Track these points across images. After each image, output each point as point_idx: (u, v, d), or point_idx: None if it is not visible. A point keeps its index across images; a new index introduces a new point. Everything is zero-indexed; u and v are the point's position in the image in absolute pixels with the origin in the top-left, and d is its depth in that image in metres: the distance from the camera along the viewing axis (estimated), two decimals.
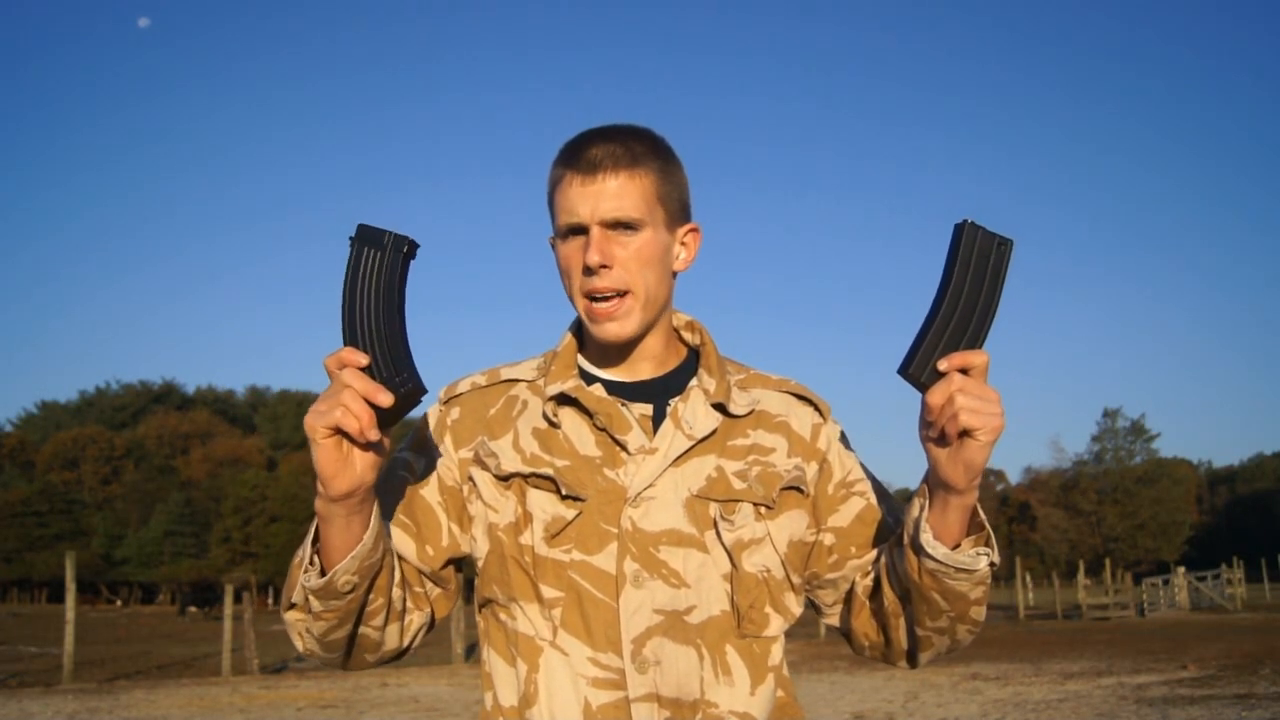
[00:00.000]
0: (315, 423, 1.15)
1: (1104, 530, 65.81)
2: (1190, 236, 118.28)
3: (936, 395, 1.20)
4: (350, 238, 1.20)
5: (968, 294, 1.23)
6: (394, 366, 1.18)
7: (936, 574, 1.25)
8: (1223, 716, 9.04)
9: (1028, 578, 36.19)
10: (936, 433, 1.22)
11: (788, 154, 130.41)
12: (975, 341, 1.23)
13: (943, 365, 1.21)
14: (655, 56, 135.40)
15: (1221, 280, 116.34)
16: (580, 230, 1.31)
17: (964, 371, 1.21)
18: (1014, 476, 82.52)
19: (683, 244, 1.39)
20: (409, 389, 1.17)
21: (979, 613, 1.32)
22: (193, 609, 44.82)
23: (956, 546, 1.26)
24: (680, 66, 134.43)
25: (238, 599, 20.12)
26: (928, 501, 1.26)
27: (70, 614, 15.25)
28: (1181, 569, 35.05)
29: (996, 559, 1.27)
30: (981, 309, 1.23)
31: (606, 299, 1.32)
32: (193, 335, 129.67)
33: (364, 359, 1.17)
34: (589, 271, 1.30)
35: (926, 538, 1.25)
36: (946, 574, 1.25)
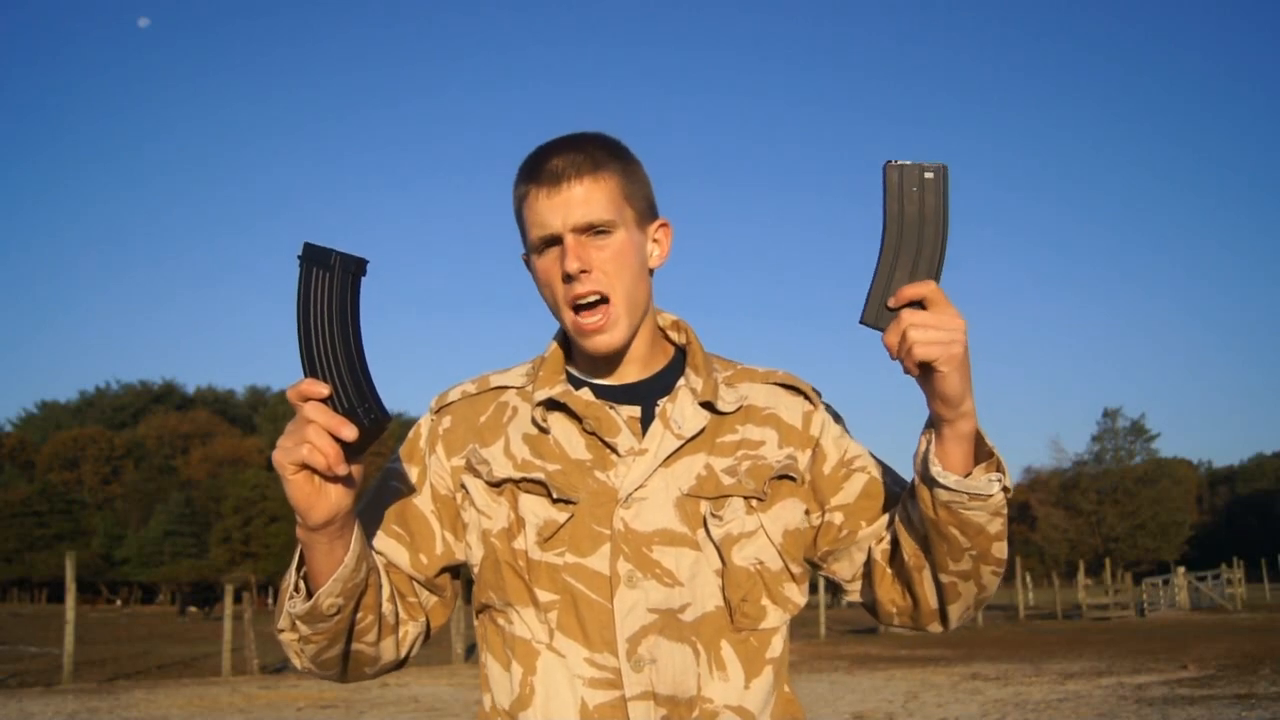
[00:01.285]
0: (283, 459, 1.15)
1: (1104, 530, 65.74)
2: (1190, 236, 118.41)
3: (890, 335, 1.21)
4: (298, 256, 1.17)
5: (906, 231, 1.21)
6: (356, 397, 1.16)
7: (951, 505, 1.25)
8: (1223, 716, 9.04)
9: (1028, 578, 36.18)
10: (905, 370, 1.22)
11: (778, 151, 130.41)
12: (929, 274, 1.21)
13: (891, 303, 1.21)
14: (648, 55, 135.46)
15: (1221, 280, 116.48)
16: (554, 241, 1.32)
17: (921, 306, 1.20)
18: (1014, 476, 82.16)
19: (655, 240, 1.40)
20: (373, 420, 1.15)
21: (1000, 549, 1.31)
22: (193, 609, 44.86)
23: (968, 475, 1.26)
24: (670, 64, 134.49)
25: (238, 599, 20.13)
26: (932, 437, 1.26)
27: (70, 614, 15.24)
28: (1181, 569, 35.06)
29: (1010, 484, 1.27)
30: (928, 242, 1.21)
31: (591, 308, 1.32)
32: (193, 335, 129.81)
33: (325, 390, 1.15)
34: (569, 279, 1.31)
35: (936, 469, 1.24)
36: (960, 503, 1.24)
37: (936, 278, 1.22)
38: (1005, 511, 1.28)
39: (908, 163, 1.21)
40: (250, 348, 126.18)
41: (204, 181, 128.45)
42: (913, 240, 1.22)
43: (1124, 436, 68.23)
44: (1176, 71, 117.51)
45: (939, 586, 1.35)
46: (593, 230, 1.31)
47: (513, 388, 1.42)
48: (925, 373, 1.21)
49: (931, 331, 1.19)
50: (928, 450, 1.26)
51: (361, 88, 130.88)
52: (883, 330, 1.22)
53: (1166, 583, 34.09)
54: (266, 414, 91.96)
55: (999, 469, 1.26)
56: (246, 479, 66.59)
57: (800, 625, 21.04)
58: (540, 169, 1.32)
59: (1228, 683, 11.70)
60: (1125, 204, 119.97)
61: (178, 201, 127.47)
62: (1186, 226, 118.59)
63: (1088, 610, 30.82)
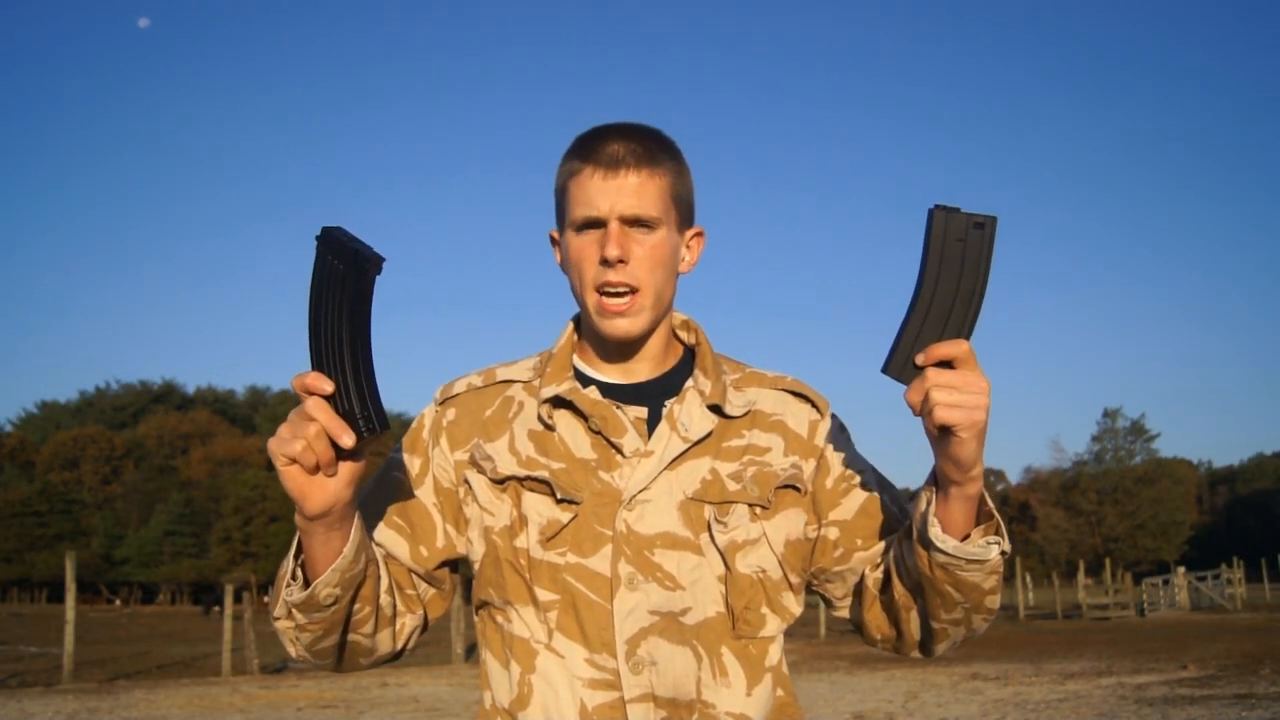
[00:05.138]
0: (277, 449, 1.14)
1: (1104, 530, 65.77)
2: (1191, 236, 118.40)
3: (913, 393, 1.18)
4: (316, 237, 1.14)
5: (944, 283, 1.17)
6: (357, 401, 1.14)
7: (948, 567, 1.24)
8: (1223, 716, 9.03)
9: (1028, 578, 36.16)
10: (925, 429, 1.20)
11: (789, 152, 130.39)
12: (960, 331, 1.17)
13: (920, 360, 1.18)
14: (650, 55, 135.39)
15: (1221, 280, 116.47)
16: (597, 224, 1.31)
17: (949, 364, 1.17)
18: (1014, 476, 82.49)
19: (688, 246, 1.39)
20: (370, 429, 1.14)
21: (994, 601, 1.30)
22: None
23: (965, 538, 1.24)
24: (675, 65, 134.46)
25: (238, 599, 20.12)
26: (934, 494, 1.24)
27: (70, 614, 15.22)
28: (1181, 569, 35.03)
29: (1008, 547, 1.25)
30: (964, 297, 1.17)
31: (619, 295, 1.31)
32: (193, 335, 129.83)
33: (329, 387, 1.13)
34: (605, 264, 1.30)
35: (935, 531, 1.23)
36: (958, 566, 1.23)
37: (968, 336, 1.18)
38: (1001, 569, 1.27)
39: (957, 209, 1.15)
40: (250, 348, 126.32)
41: (203, 181, 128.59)
42: (949, 294, 1.17)
43: (1124, 436, 68.33)
44: (1176, 70, 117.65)
45: (927, 628, 1.35)
46: (638, 223, 1.30)
47: (519, 382, 1.41)
48: (943, 435, 1.18)
49: (957, 395, 1.15)
50: (927, 510, 1.24)
51: (361, 87, 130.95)
52: (905, 384, 1.19)
53: (1166, 583, 34.07)
54: (266, 414, 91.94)
55: (998, 531, 1.25)
56: (246, 479, 66.61)
57: (800, 625, 21.01)
58: (599, 150, 1.31)
59: (1228, 683, 11.69)
60: (1125, 203, 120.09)
61: (177, 201, 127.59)
62: (1186, 226, 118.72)
63: (1088, 610, 30.77)
